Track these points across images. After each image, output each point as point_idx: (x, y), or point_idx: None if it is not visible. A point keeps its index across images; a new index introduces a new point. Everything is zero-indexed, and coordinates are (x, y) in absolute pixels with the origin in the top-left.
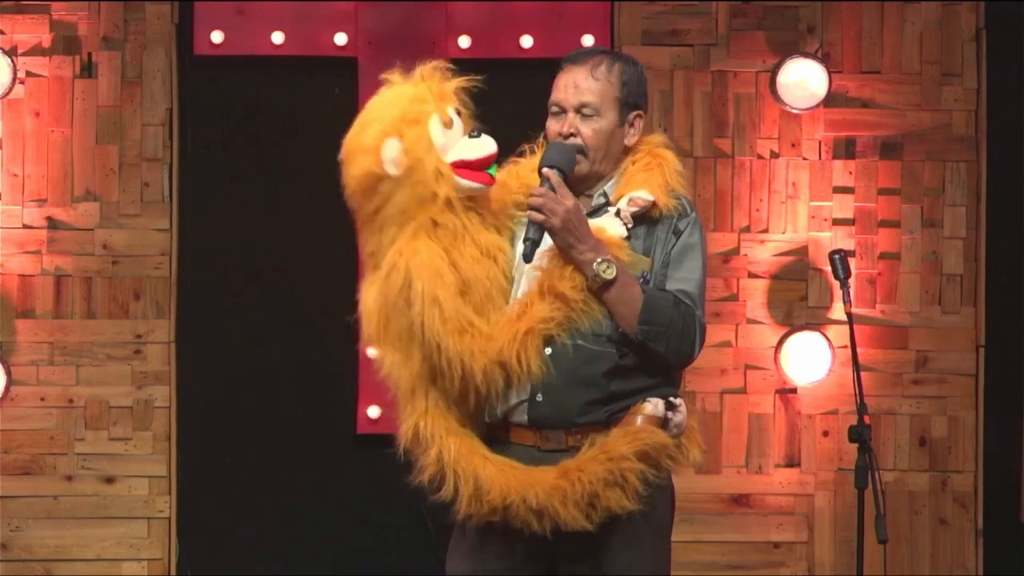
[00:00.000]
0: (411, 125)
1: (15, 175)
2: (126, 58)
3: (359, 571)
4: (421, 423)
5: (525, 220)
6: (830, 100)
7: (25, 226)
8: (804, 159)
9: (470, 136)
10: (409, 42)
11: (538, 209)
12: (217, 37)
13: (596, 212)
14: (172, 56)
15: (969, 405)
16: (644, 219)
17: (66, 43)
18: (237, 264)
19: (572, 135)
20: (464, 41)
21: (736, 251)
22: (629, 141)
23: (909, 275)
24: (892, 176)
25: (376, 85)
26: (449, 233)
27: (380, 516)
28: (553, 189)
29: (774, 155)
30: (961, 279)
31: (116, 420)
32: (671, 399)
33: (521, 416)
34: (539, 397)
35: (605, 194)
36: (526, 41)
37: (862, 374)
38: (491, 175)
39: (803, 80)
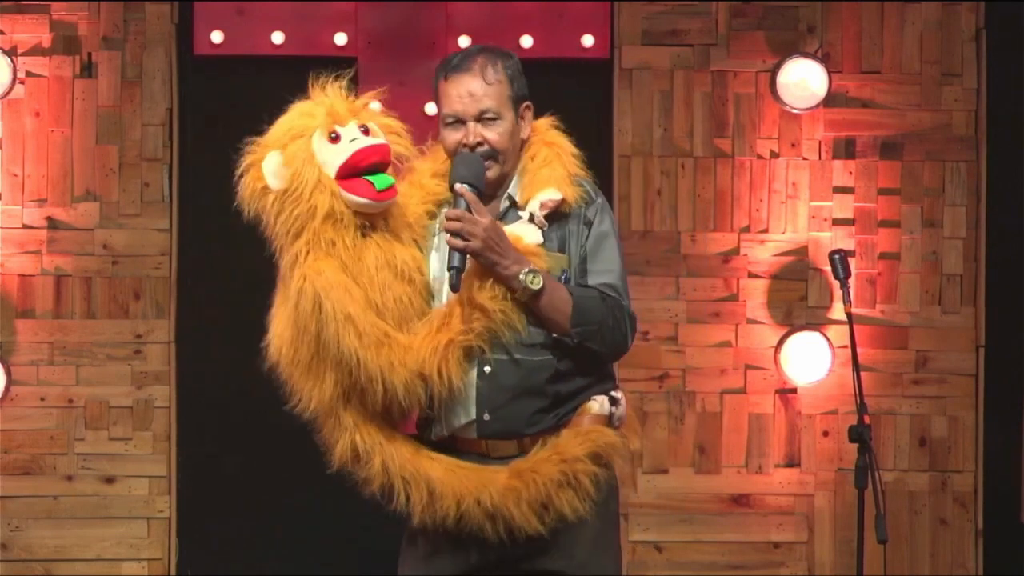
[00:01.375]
0: (294, 139)
1: (15, 175)
2: (126, 58)
3: (359, 571)
4: (356, 438)
5: (437, 229)
6: (830, 100)
7: (25, 226)
8: (804, 159)
9: (351, 141)
10: (409, 42)
11: (457, 233)
12: (217, 37)
13: (504, 216)
14: (172, 56)
15: (969, 405)
16: (554, 215)
17: (66, 43)
18: (237, 264)
19: (479, 144)
20: (464, 41)
21: (736, 251)
22: (524, 134)
23: (909, 275)
24: (892, 176)
25: (376, 85)
26: (346, 250)
27: (380, 516)
28: (468, 207)
29: (774, 155)
30: (961, 279)
31: (116, 420)
32: (613, 394)
33: (470, 433)
34: (486, 416)
35: (511, 196)
36: (526, 41)
37: (862, 374)
38: (377, 188)
39: (803, 80)
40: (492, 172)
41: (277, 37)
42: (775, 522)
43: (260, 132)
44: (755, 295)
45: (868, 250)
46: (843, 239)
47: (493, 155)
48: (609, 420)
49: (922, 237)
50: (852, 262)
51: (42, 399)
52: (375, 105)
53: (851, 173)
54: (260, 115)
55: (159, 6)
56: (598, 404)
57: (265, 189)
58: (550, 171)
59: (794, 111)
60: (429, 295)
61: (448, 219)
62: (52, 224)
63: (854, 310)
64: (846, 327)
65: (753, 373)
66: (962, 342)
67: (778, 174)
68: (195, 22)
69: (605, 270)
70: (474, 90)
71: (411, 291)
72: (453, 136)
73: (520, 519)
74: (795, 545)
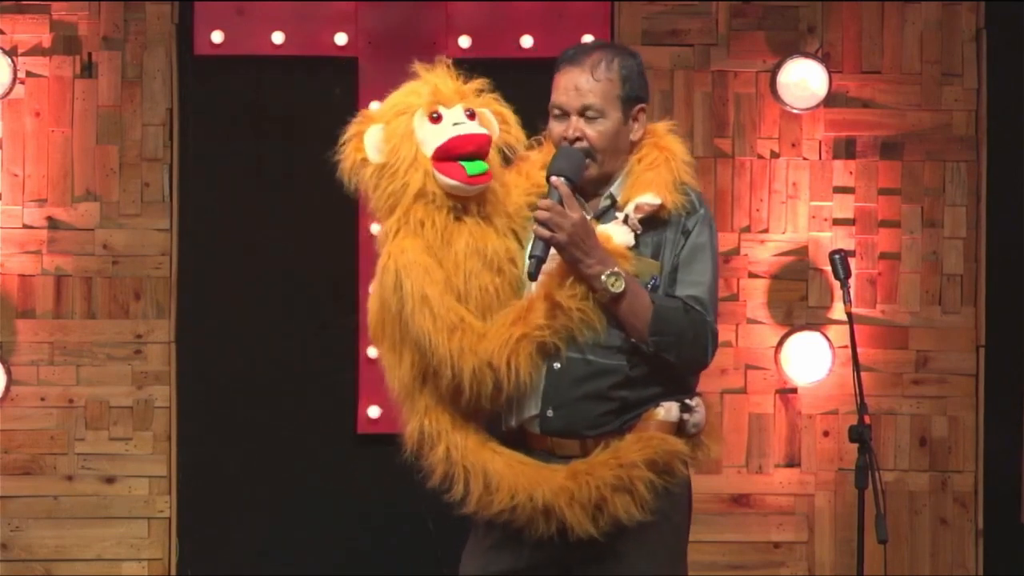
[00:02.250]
0: (398, 115)
1: (15, 175)
2: (126, 58)
3: (359, 571)
4: (425, 422)
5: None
6: (830, 100)
7: (25, 226)
8: (804, 159)
9: (454, 125)
10: (409, 42)
11: (544, 224)
12: (217, 37)
13: (603, 215)
14: (172, 56)
15: (969, 405)
16: (652, 220)
17: (66, 43)
18: (237, 264)
19: (578, 139)
20: (464, 41)
21: (736, 251)
22: (635, 136)
23: (909, 275)
24: (892, 176)
25: (376, 85)
26: (434, 232)
27: (380, 516)
28: (561, 200)
29: (774, 155)
30: (961, 279)
31: (116, 420)
32: (686, 401)
33: (534, 428)
34: (549, 412)
35: (612, 196)
36: (526, 41)
37: (862, 374)
38: (469, 172)
39: (803, 80)
40: (589, 171)
41: (277, 37)
42: (775, 522)
43: (260, 132)
44: (755, 295)
45: (868, 250)
46: (843, 239)
47: (590, 154)
48: (681, 427)
49: (922, 237)
50: (852, 262)
51: (42, 399)
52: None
53: (851, 173)
54: (260, 115)
55: (159, 6)
56: (664, 410)
57: (364, 161)
58: (655, 175)
59: (794, 111)
60: (520, 286)
61: (539, 208)
62: (52, 224)
63: (854, 310)
64: (846, 327)
65: (753, 373)
66: (962, 342)
67: (778, 174)
68: (195, 22)
69: (694, 282)
70: (580, 84)
71: (499, 281)
72: (557, 128)
73: (572, 519)
74: (795, 545)
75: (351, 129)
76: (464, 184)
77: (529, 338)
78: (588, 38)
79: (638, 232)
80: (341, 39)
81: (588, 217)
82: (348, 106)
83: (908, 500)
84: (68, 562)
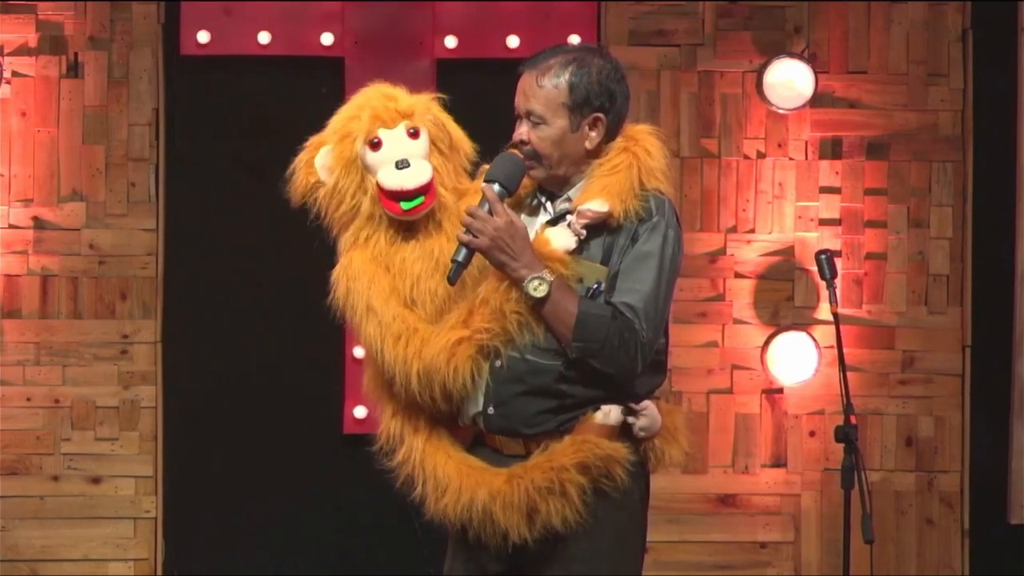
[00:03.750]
0: (343, 139)
1: (1, 175)
2: (112, 58)
3: (346, 571)
4: (391, 424)
5: None
6: (816, 100)
7: (11, 226)
8: (791, 159)
9: (396, 166)
10: (396, 42)
11: (467, 229)
12: (203, 37)
13: (560, 219)
14: (158, 56)
15: (955, 405)
16: (605, 225)
17: (52, 43)
18: (223, 264)
19: (524, 142)
20: (450, 41)
21: (722, 251)
22: (590, 145)
23: (895, 275)
24: (879, 176)
25: (362, 85)
26: (379, 245)
27: (366, 516)
28: (490, 206)
29: (760, 155)
30: (947, 279)
31: (102, 420)
32: (630, 405)
33: (480, 425)
34: (490, 410)
35: (569, 199)
36: (512, 41)
37: (848, 374)
38: (404, 208)
39: (790, 80)
40: (536, 173)
41: (263, 37)
42: (762, 522)
43: (246, 132)
44: (742, 295)
45: (854, 250)
46: (829, 239)
47: (535, 156)
48: (625, 431)
49: (909, 237)
50: (838, 262)
51: (28, 399)
52: None
53: (837, 173)
54: (247, 115)
55: (145, 6)
56: (602, 414)
57: (318, 183)
58: (612, 180)
59: (780, 111)
60: (474, 285)
61: (466, 214)
62: (38, 224)
63: (840, 310)
64: (832, 327)
65: (739, 373)
66: (948, 342)
67: (764, 174)
68: (181, 22)
69: (630, 289)
70: (526, 89)
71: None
72: (516, 129)
73: (506, 523)
74: (781, 545)
75: (302, 156)
76: (399, 216)
77: (470, 341)
78: (574, 38)
79: (581, 237)
80: (327, 39)
81: (543, 220)
82: (334, 106)
83: (894, 500)
84: (54, 562)
